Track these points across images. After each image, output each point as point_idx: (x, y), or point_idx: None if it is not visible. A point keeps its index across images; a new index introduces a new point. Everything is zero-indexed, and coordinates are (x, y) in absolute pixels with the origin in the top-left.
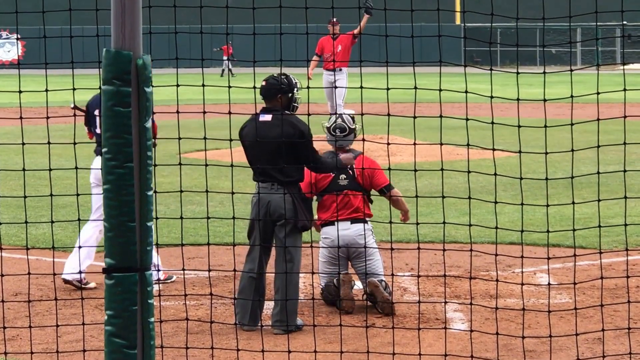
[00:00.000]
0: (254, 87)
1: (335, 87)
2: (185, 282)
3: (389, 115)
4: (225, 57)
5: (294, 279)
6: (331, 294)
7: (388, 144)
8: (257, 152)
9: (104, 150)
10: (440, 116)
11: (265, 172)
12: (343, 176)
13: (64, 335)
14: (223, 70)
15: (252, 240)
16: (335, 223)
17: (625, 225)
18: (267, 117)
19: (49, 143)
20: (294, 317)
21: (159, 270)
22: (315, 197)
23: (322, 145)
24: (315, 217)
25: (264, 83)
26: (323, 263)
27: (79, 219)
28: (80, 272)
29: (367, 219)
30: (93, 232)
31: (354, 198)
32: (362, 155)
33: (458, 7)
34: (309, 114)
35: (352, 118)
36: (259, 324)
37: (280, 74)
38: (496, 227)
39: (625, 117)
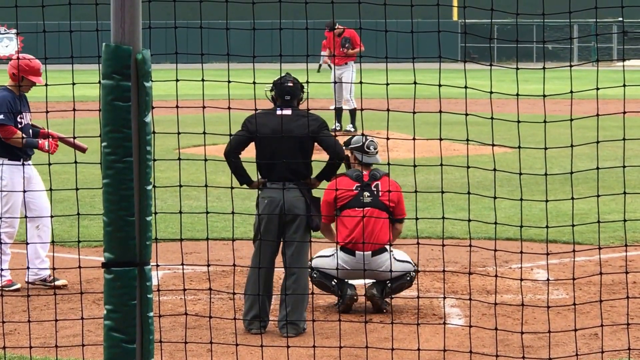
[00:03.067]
0: (254, 83)
1: (339, 82)
2: (184, 277)
3: (388, 110)
4: (323, 53)
5: (306, 280)
6: (323, 286)
7: (387, 138)
8: (275, 146)
9: (103, 144)
10: (440, 112)
11: (279, 169)
12: (367, 194)
13: (62, 329)
14: (320, 66)
15: (261, 240)
16: (356, 253)
17: (625, 221)
18: (287, 112)
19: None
20: (304, 317)
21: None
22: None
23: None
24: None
25: (290, 84)
26: (331, 270)
27: (78, 214)
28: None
29: (386, 245)
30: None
31: (375, 223)
32: (388, 177)
33: (455, 3)
34: (308, 109)
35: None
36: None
37: (287, 74)
38: (495, 223)
39: (624, 112)
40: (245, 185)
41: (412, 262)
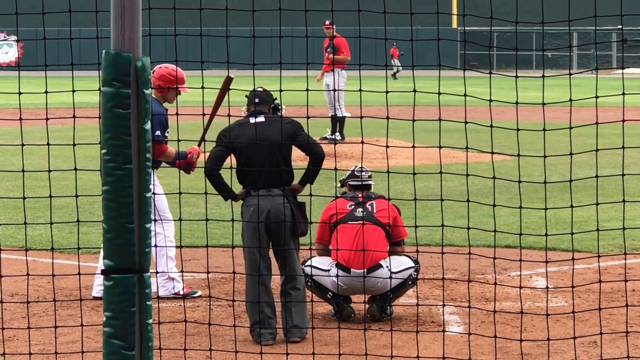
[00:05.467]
0: (254, 90)
1: (327, 90)
2: (183, 284)
3: (387, 118)
4: (395, 60)
5: (302, 284)
6: (318, 295)
7: (387, 146)
8: (255, 154)
9: (103, 151)
10: (439, 119)
11: (262, 177)
12: (360, 209)
13: (62, 336)
14: (395, 73)
15: (250, 248)
16: (351, 270)
17: (624, 229)
18: (260, 119)
19: (48, 144)
20: (307, 321)
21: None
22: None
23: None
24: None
25: (260, 89)
26: (327, 285)
27: (77, 220)
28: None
29: (382, 261)
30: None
31: (369, 237)
32: (383, 198)
33: (455, 11)
34: (307, 117)
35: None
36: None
37: (259, 86)
38: (494, 230)
39: (624, 120)
40: (230, 200)
41: (410, 264)
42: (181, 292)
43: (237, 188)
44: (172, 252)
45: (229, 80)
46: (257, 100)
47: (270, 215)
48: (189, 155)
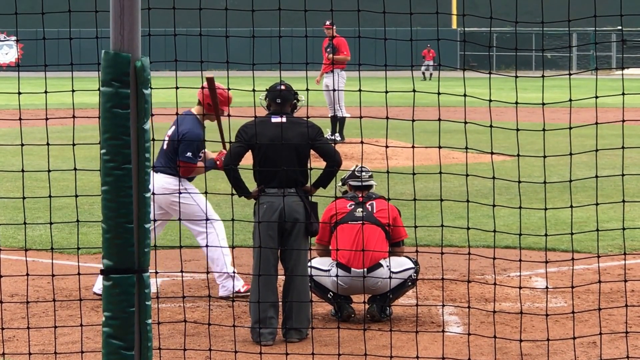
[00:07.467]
0: (253, 90)
1: (326, 90)
2: (183, 284)
3: (387, 118)
4: (428, 61)
5: (307, 285)
6: (319, 295)
7: (387, 146)
8: (273, 154)
9: (102, 151)
10: (439, 119)
11: (277, 177)
12: (360, 209)
13: (61, 336)
14: (424, 74)
15: (262, 246)
16: (351, 270)
17: (623, 229)
18: (282, 119)
19: (47, 145)
20: (308, 322)
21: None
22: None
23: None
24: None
25: (282, 87)
26: (327, 285)
27: (77, 221)
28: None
29: (382, 260)
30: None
31: (369, 237)
32: (383, 199)
33: (455, 11)
34: (307, 117)
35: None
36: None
37: (281, 81)
38: (494, 231)
39: (623, 120)
40: (243, 197)
41: (410, 265)
42: (242, 290)
43: (252, 186)
44: (226, 251)
45: (210, 81)
46: (279, 100)
47: (284, 213)
48: (217, 162)
